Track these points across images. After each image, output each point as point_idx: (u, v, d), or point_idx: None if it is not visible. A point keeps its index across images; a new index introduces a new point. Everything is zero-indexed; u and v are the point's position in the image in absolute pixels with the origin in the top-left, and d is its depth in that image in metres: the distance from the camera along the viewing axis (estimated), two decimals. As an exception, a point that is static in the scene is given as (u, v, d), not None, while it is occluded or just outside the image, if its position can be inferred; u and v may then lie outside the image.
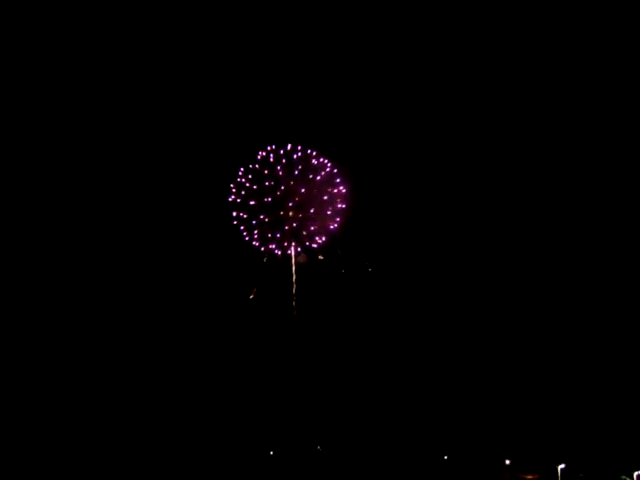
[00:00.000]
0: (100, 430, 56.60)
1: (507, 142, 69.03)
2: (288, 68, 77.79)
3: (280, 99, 77.03)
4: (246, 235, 75.05)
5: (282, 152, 74.75)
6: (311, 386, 63.27)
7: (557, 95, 63.66)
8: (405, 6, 72.05)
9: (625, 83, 61.12)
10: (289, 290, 74.79)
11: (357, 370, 63.82)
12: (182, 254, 76.80)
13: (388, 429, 58.61)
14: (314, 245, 75.25)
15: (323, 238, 75.22)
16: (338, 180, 74.63)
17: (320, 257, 75.56)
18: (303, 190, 74.44)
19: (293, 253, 75.64)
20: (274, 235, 74.76)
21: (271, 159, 74.96)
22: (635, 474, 52.59)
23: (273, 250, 75.30)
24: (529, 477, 54.54)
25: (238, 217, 75.35)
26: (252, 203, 74.93)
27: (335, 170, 74.60)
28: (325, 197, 74.48)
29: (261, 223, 74.97)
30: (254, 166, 75.16)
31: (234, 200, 75.30)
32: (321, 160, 74.66)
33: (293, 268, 75.65)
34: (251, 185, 75.25)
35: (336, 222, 74.77)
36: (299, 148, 74.60)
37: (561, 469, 52.55)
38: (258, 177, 75.21)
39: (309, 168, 74.62)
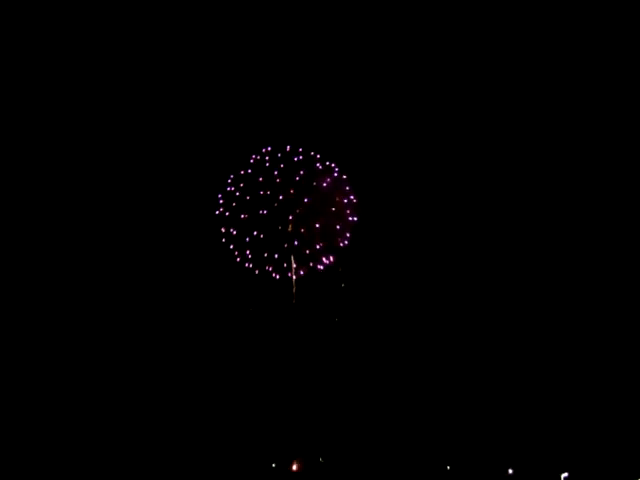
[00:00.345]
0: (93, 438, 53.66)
1: (530, 154, 63.12)
2: (284, 59, 66.01)
3: (277, 92, 64.88)
4: (237, 255, 62.50)
5: (280, 155, 62.41)
6: (312, 397, 58.66)
7: (569, 97, 60.74)
8: (415, 5, 64.66)
9: (625, 83, 58.80)
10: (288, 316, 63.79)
11: (358, 381, 59.45)
12: (161, 279, 64.27)
13: (390, 439, 55.75)
14: (320, 267, 62.70)
15: (331, 258, 62.75)
16: (348, 188, 62.33)
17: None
18: (306, 200, 61.92)
19: (294, 277, 62.94)
20: (271, 255, 62.24)
21: (267, 163, 62.50)
22: None
23: (270, 273, 62.72)
24: None
25: (227, 234, 62.88)
26: (244, 217, 62.56)
27: (344, 176, 62.22)
28: (333, 208, 62.01)
29: (255, 241, 62.42)
30: (246, 172, 62.92)
31: (222, 213, 62.93)
32: (327, 164, 62.38)
33: (293, 289, 63.21)
34: (243, 195, 62.71)
35: (346, 238, 62.40)
36: (300, 150, 62.21)
37: (564, 478, 52.58)
38: (251, 185, 62.73)
39: (313, 174, 62.23)
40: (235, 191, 62.81)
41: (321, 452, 56.53)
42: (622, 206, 59.14)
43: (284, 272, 62.64)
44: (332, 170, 62.30)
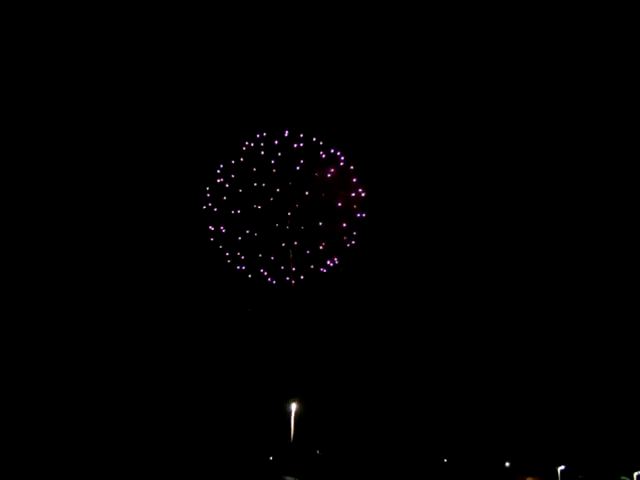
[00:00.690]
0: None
1: (549, 151, 60.97)
2: (280, 37, 57.93)
3: (273, 69, 56.80)
4: (227, 257, 54.49)
5: (277, 142, 54.33)
6: (310, 390, 55.38)
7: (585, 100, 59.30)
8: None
9: (625, 83, 58.15)
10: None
11: (356, 373, 56.76)
12: (142, 284, 56.37)
13: (387, 432, 55.01)
14: (323, 270, 54.89)
15: (336, 260, 54.94)
16: (355, 180, 54.53)
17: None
18: (307, 194, 54.00)
19: (293, 281, 55.04)
20: (266, 257, 54.38)
21: (262, 151, 54.43)
22: (635, 474, 53.36)
23: (265, 277, 54.81)
24: (529, 479, 54.85)
25: (216, 232, 54.89)
26: (235, 213, 54.61)
27: (351, 167, 54.37)
28: (338, 203, 54.12)
29: (248, 240, 54.48)
30: (238, 161, 54.80)
31: (210, 209, 54.92)
32: (331, 152, 54.40)
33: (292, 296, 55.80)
34: (234, 188, 54.63)
35: (353, 237, 54.64)
36: (301, 136, 54.16)
37: (561, 470, 53.05)
38: (244, 176, 54.67)
39: (315, 163, 54.24)
40: (225, 183, 54.65)
41: (319, 445, 54.86)
42: (622, 206, 58.71)
43: (281, 276, 54.82)
44: (337, 160, 54.35)
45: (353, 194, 53.89)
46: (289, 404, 52.95)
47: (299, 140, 53.86)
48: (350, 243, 54.26)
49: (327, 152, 53.97)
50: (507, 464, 55.37)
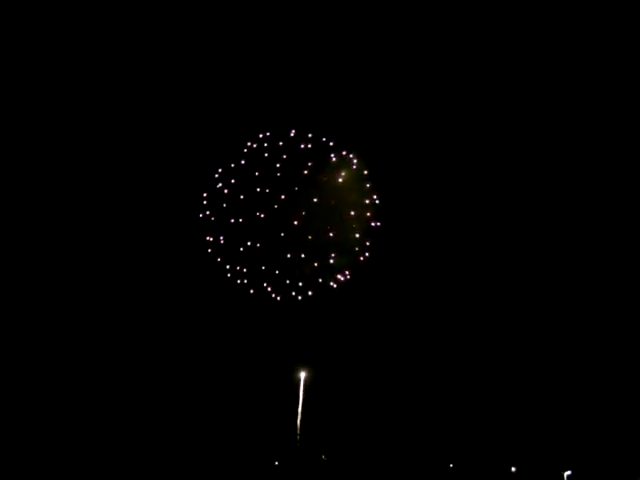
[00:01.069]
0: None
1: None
2: (287, 30, 52.78)
3: (278, 63, 51.48)
4: (227, 270, 49.15)
5: (282, 143, 49.14)
6: (315, 394, 52.59)
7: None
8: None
9: (625, 83, 56.11)
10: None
11: (361, 378, 54.78)
12: (130, 300, 51.34)
13: (392, 437, 54.18)
14: (333, 284, 49.53)
15: (347, 274, 49.54)
16: (369, 185, 49.25)
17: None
18: (316, 200, 48.74)
19: (300, 297, 49.67)
20: (270, 271, 49.12)
21: (265, 153, 49.22)
22: None
23: (269, 293, 49.49)
24: None
25: (214, 243, 49.65)
26: (234, 221, 49.39)
27: (365, 171, 49.11)
28: (351, 211, 48.77)
29: (249, 252, 49.24)
30: (238, 164, 49.58)
31: (207, 217, 49.74)
32: (343, 154, 49.12)
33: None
34: (234, 194, 49.39)
35: (366, 249, 49.28)
36: (309, 136, 48.88)
37: (567, 475, 53.22)
38: (245, 181, 49.42)
39: (325, 166, 48.96)
40: (224, 189, 49.35)
41: (324, 450, 53.38)
42: (622, 206, 56.75)
43: (287, 292, 49.51)
44: (349, 162, 49.12)
45: (367, 201, 48.74)
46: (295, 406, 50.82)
47: (307, 141, 48.76)
48: (364, 256, 49.11)
49: (338, 154, 48.96)
50: (513, 469, 54.60)
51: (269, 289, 49.21)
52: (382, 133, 51.96)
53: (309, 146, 48.74)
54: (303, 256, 48.56)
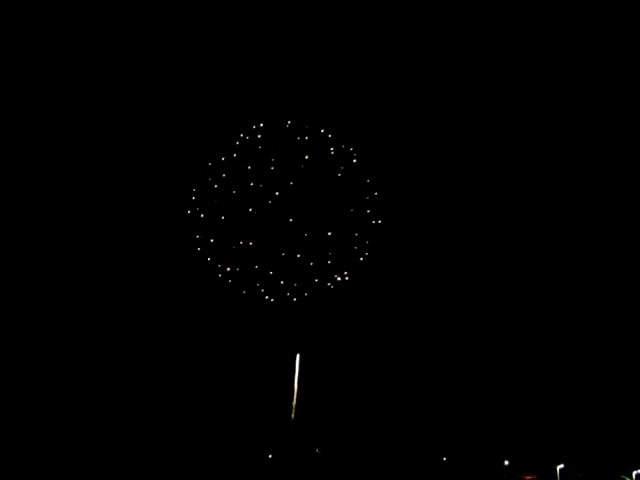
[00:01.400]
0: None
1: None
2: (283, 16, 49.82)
3: (273, 50, 48.38)
4: (218, 270, 46.19)
5: (277, 134, 46.20)
6: (309, 387, 52.13)
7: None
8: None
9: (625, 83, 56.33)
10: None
11: (356, 371, 54.11)
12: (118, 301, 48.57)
13: (386, 430, 54.10)
14: (330, 285, 46.81)
15: (346, 275, 46.83)
16: (369, 181, 46.52)
17: None
18: (313, 195, 45.91)
19: (295, 299, 46.92)
20: (263, 272, 46.24)
21: (259, 145, 46.26)
22: (634, 473, 53.84)
23: (262, 294, 46.65)
24: (527, 477, 54.92)
25: (204, 241, 46.69)
26: (226, 218, 46.49)
27: (366, 164, 46.40)
28: (351, 208, 46.00)
29: (241, 250, 46.38)
30: (230, 157, 46.58)
31: (196, 214, 46.77)
32: (342, 147, 46.33)
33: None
34: (225, 189, 46.45)
35: (366, 248, 46.58)
36: (307, 127, 46.01)
37: (560, 469, 53.64)
38: (237, 175, 46.46)
39: (322, 160, 46.10)
40: (214, 184, 46.35)
41: (318, 444, 52.92)
42: (622, 206, 56.98)
43: (281, 293, 46.71)
44: (350, 156, 46.34)
45: (367, 197, 46.03)
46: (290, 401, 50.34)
47: (303, 132, 45.94)
48: (363, 255, 46.45)
49: (337, 147, 46.21)
50: (506, 462, 54.68)
51: (262, 290, 46.44)
52: (384, 126, 49.10)
53: (306, 138, 45.95)
54: (299, 256, 45.85)
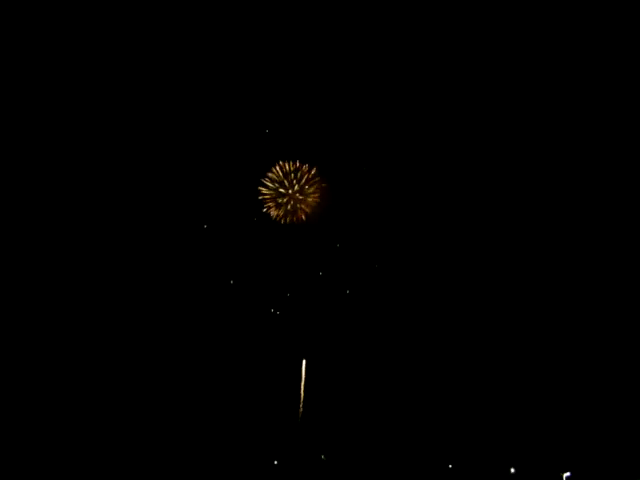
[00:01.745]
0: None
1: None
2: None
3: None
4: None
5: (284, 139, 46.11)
6: (315, 393, 52.83)
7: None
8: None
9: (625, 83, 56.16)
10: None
11: (362, 376, 54.35)
12: None
13: (392, 436, 53.74)
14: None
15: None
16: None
17: None
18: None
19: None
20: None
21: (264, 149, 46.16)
22: None
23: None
24: None
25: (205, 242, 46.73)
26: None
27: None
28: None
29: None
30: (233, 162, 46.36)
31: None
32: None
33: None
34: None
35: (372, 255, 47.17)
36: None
37: (566, 477, 52.73)
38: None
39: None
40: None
41: (323, 450, 52.74)
42: (622, 206, 56.14)
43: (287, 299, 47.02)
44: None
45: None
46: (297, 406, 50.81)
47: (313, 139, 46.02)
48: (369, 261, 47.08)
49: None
50: (512, 470, 54.01)
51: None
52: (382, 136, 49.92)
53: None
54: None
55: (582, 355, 55.55)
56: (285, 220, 47.23)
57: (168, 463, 50.42)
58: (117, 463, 49.97)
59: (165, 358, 50.69)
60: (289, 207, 46.40)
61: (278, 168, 46.32)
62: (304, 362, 49.81)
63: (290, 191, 45.61)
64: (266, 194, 47.01)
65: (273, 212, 47.31)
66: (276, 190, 45.95)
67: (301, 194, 45.69)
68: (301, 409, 50.21)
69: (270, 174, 46.01)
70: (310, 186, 46.01)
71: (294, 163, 46.89)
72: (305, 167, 46.66)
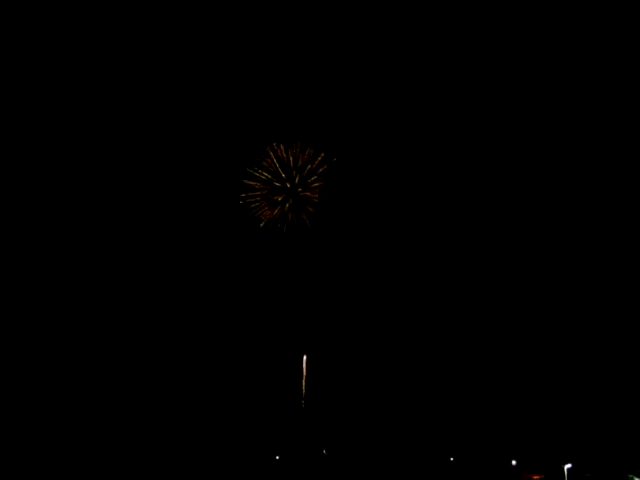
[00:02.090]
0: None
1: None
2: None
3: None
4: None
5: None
6: (316, 388, 52.24)
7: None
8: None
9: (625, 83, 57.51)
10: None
11: (363, 372, 54.59)
12: None
13: (393, 431, 54.50)
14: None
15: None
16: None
17: None
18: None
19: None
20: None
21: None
22: None
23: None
24: (535, 477, 55.13)
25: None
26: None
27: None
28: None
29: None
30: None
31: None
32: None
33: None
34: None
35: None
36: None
37: (567, 469, 53.44)
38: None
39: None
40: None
41: (325, 445, 53.09)
42: (622, 206, 57.59)
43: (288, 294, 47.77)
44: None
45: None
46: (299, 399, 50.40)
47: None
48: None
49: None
50: (513, 462, 54.86)
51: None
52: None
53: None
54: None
55: (581, 351, 55.86)
56: (282, 224, 41.71)
57: (171, 457, 50.32)
58: (121, 457, 50.17)
59: (165, 358, 51.83)
60: (287, 206, 40.38)
61: (272, 154, 40.05)
62: (305, 358, 48.55)
63: (289, 185, 39.51)
64: (256, 189, 40.64)
65: (266, 213, 41.34)
66: (270, 183, 39.03)
67: (303, 188, 39.05)
68: (302, 404, 49.58)
69: (262, 162, 38.50)
70: (314, 177, 39.12)
71: (294, 147, 40.15)
72: (309, 151, 40.18)
